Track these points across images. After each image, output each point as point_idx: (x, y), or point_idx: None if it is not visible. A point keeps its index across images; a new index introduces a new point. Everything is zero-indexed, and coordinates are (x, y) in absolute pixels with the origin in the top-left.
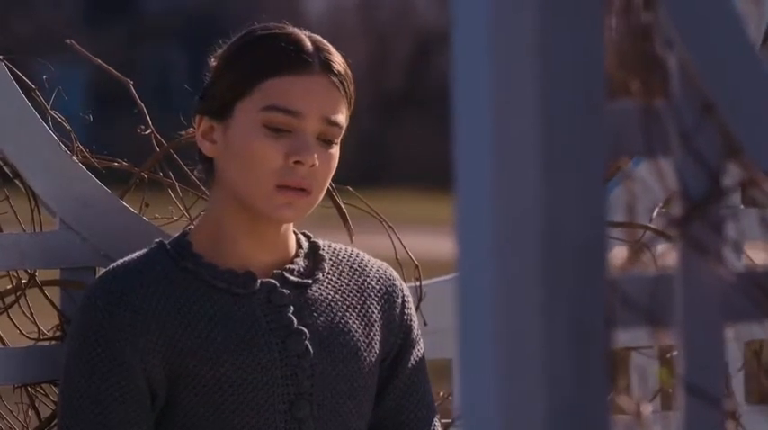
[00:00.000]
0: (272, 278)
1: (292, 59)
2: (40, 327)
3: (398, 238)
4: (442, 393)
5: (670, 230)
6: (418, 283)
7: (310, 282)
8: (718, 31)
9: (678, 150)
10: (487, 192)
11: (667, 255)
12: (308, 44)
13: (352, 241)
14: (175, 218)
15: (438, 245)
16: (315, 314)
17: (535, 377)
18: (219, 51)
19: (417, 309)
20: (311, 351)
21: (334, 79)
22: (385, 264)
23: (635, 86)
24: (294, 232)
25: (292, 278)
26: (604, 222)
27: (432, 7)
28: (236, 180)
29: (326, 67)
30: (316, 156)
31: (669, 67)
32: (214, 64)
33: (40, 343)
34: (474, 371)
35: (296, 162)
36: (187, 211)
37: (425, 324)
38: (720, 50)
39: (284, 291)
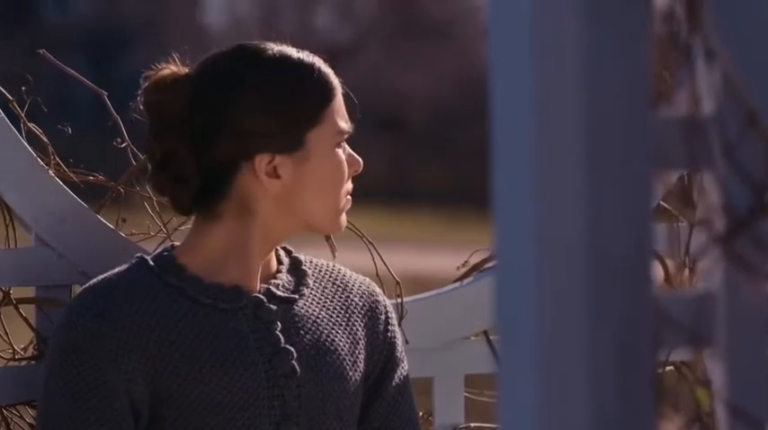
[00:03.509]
0: (258, 293)
1: (332, 80)
2: (15, 347)
3: (379, 255)
4: (422, 413)
5: (714, 247)
6: (399, 300)
7: (297, 297)
8: (763, 42)
9: (721, 163)
10: (529, 208)
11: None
12: (323, 61)
13: (334, 257)
14: (152, 233)
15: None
16: (302, 332)
17: (578, 398)
18: (241, 85)
19: (399, 326)
20: (298, 371)
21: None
22: (367, 279)
23: (677, 97)
24: None
25: (279, 293)
26: (650, 238)
27: (332, 21)
28: (312, 206)
29: (336, 76)
30: None
31: (712, 77)
32: (243, 98)
33: (14, 363)
34: (515, 391)
35: (353, 172)
36: (164, 226)
37: (407, 342)
38: (765, 61)
39: (271, 306)
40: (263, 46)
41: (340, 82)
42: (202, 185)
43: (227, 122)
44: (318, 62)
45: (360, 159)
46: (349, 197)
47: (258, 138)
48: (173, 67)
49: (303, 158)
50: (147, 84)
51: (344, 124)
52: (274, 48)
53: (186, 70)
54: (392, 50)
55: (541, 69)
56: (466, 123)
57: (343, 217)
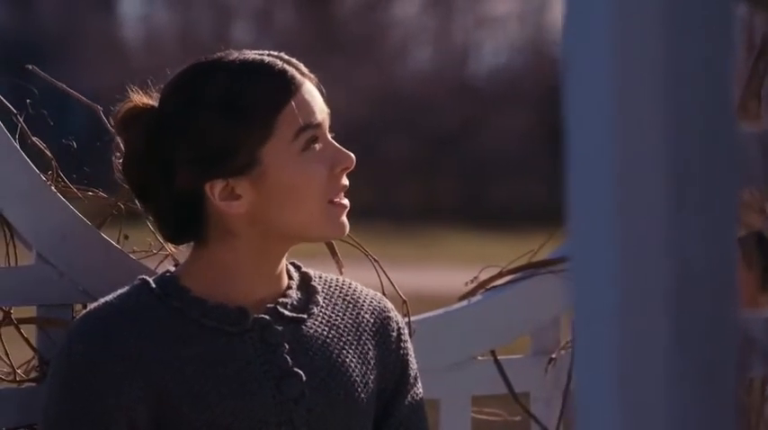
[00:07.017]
0: (265, 313)
1: (287, 79)
2: (17, 370)
3: (385, 274)
4: None
5: None
6: (407, 320)
7: (305, 316)
8: None
9: None
10: (611, 225)
11: None
12: (280, 59)
13: (341, 274)
14: (154, 251)
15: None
16: (310, 353)
17: (660, 421)
18: (189, 113)
19: None
20: (307, 394)
21: (311, 75)
22: (378, 294)
23: (757, 111)
24: None
25: (287, 313)
26: (734, 255)
27: (251, 35)
28: (289, 219)
29: (302, 69)
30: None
31: None
32: (192, 126)
33: (15, 384)
34: (598, 417)
35: (342, 170)
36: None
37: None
38: None
39: (278, 327)
40: (212, 64)
41: (305, 73)
42: (181, 215)
43: (182, 151)
44: (271, 63)
45: (349, 154)
46: (344, 201)
47: (211, 163)
48: (139, 100)
49: (261, 175)
50: (116, 120)
51: (311, 118)
52: (224, 62)
53: (151, 102)
54: (310, 65)
55: (623, 85)
56: (384, 138)
57: (341, 220)
